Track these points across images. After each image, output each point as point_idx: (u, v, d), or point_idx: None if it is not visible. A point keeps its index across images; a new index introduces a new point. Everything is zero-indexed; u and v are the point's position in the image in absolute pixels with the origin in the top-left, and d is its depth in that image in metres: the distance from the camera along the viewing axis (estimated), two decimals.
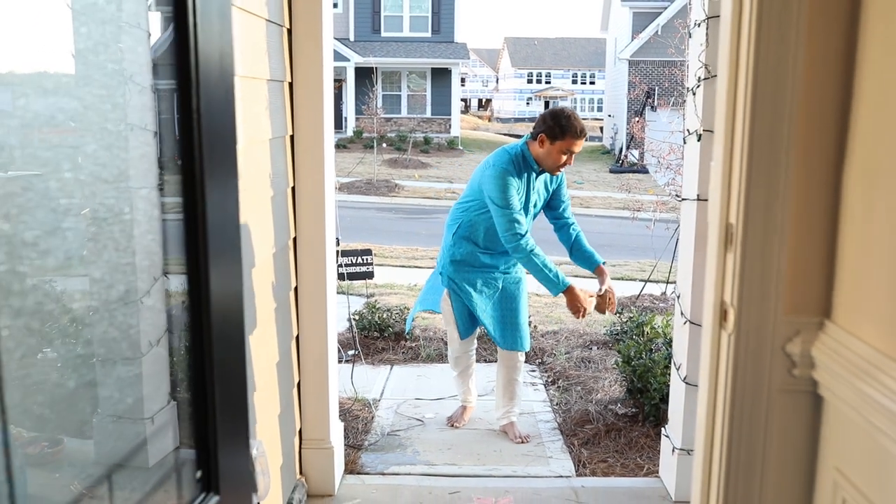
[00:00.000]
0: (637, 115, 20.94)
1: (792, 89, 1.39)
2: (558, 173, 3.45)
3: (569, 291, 3.36)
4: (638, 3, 25.86)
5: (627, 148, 23.49)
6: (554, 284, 3.35)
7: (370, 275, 5.54)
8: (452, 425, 3.79)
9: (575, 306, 3.38)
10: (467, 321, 3.64)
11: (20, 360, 1.02)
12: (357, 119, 24.96)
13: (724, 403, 1.52)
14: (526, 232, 3.34)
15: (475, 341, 3.79)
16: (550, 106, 51.04)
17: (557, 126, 3.29)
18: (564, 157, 3.34)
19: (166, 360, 1.47)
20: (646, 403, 3.72)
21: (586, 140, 3.57)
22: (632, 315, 4.75)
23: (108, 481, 1.39)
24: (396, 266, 9.61)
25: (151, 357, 1.45)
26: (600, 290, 3.47)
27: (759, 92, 1.40)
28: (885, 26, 1.30)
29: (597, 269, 3.56)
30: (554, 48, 52.78)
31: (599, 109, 41.99)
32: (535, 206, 3.49)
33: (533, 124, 3.47)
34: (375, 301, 5.81)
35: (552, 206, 3.64)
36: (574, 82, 49.82)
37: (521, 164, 3.38)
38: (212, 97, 1.22)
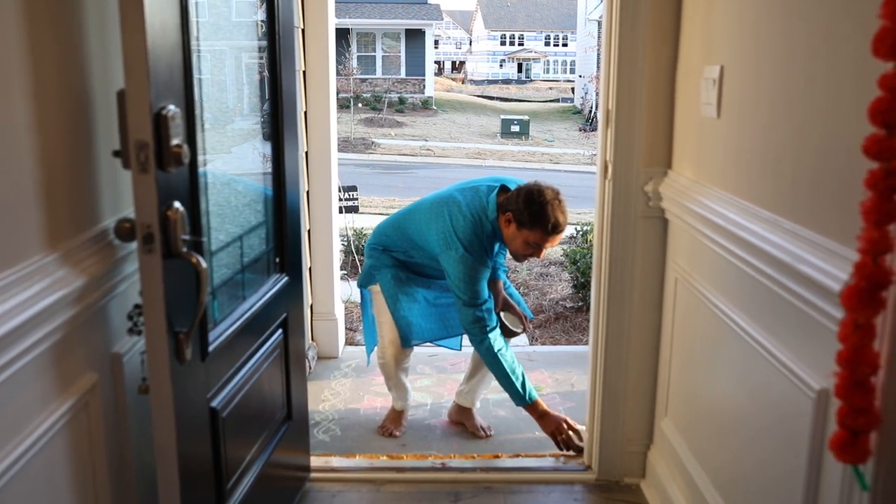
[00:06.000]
0: None
1: (643, 26, 2.20)
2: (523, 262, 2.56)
3: (534, 408, 2.73)
4: None
5: (597, 107, 24.30)
6: (518, 395, 2.73)
7: (356, 209, 6.32)
8: (391, 434, 3.01)
9: (558, 427, 2.72)
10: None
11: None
12: None
13: (607, 229, 2.35)
14: (495, 326, 2.70)
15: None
16: (524, 69, 51.42)
17: (527, 212, 2.54)
18: (530, 250, 2.64)
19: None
20: (587, 295, 4.57)
21: (567, 226, 2.73)
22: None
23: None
24: (376, 213, 10.46)
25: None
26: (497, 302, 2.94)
27: (623, 27, 2.20)
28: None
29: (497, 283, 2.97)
30: (527, 10, 53.05)
31: (572, 71, 42.63)
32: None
33: (505, 86, 2.66)
34: (361, 229, 6.61)
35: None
36: (547, 44, 50.27)
37: (489, 237, 2.66)
38: (285, 35, 2.01)
